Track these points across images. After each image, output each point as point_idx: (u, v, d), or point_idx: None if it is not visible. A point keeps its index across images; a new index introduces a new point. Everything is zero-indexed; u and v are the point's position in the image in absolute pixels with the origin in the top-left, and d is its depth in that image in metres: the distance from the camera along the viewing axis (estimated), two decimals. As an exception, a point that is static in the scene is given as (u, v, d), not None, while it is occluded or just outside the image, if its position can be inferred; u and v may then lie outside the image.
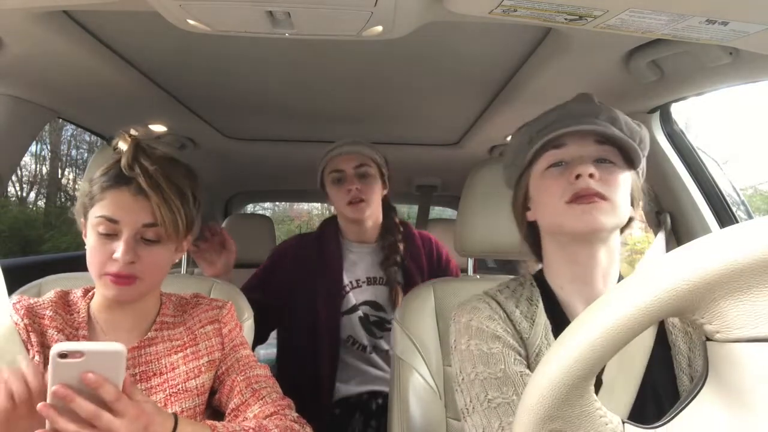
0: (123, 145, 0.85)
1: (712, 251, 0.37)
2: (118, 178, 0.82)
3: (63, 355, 0.61)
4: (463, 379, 0.77)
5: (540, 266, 0.90)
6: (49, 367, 0.61)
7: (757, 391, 0.35)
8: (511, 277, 0.92)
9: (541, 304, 0.81)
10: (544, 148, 0.79)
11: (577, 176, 0.74)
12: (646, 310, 0.37)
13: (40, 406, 0.61)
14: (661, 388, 0.74)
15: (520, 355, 0.77)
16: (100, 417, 0.62)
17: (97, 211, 0.82)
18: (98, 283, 0.83)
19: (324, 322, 1.42)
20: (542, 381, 0.40)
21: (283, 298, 1.48)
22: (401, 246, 1.51)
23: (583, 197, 0.74)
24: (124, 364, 0.64)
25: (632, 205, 0.80)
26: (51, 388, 0.61)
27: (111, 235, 0.81)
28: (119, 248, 0.80)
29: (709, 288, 0.36)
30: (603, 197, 0.74)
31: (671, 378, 0.75)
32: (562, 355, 0.39)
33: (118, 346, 0.63)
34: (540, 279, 0.86)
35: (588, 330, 0.38)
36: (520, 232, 0.90)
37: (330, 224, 1.56)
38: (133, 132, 0.87)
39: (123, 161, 0.82)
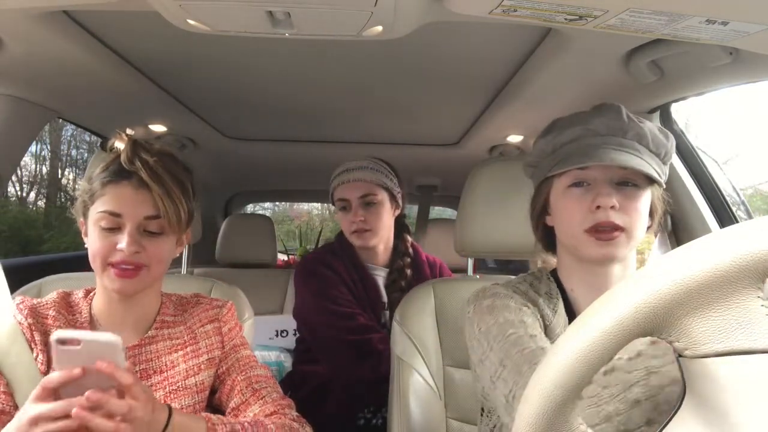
0: (120, 144, 0.86)
1: (667, 272, 0.38)
2: (118, 173, 0.83)
3: (62, 342, 0.63)
4: (491, 347, 0.74)
5: (541, 263, 0.90)
6: (53, 353, 0.64)
7: (731, 404, 0.36)
8: (523, 274, 0.92)
9: (561, 299, 0.82)
10: (566, 165, 0.78)
11: (598, 206, 0.74)
12: (613, 336, 0.38)
13: (75, 411, 0.62)
14: None
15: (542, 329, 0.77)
16: (121, 404, 0.63)
17: (98, 207, 0.83)
18: (102, 277, 0.84)
19: None
20: (526, 408, 0.42)
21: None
22: (409, 272, 1.48)
23: (602, 231, 0.75)
24: (122, 355, 0.65)
25: (651, 215, 0.80)
26: (58, 373, 0.63)
27: (114, 229, 0.82)
28: (123, 240, 0.81)
29: (670, 308, 0.37)
30: (621, 229, 0.74)
31: None
32: (544, 381, 0.40)
33: (112, 336, 0.65)
34: (555, 276, 0.87)
35: (563, 356, 0.40)
36: (534, 233, 0.90)
37: (345, 243, 1.49)
38: (129, 131, 0.87)
39: (123, 156, 0.83)
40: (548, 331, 0.78)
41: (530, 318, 0.76)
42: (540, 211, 0.86)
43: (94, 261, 0.83)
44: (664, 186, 0.80)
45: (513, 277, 0.93)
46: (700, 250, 0.37)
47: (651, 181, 0.77)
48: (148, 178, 0.82)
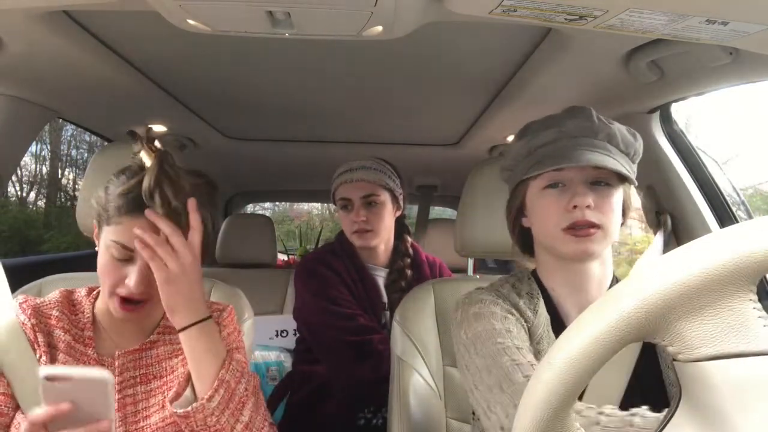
0: (146, 158, 0.83)
1: (660, 276, 0.38)
2: (136, 204, 0.79)
3: (51, 378, 0.62)
4: (477, 353, 0.76)
5: (533, 265, 0.91)
6: (40, 389, 0.63)
7: (726, 407, 0.36)
8: (505, 276, 0.94)
9: (541, 299, 0.84)
10: (542, 167, 0.80)
11: (575, 206, 0.77)
12: (605, 341, 0.38)
13: None
14: (647, 381, 0.76)
15: (527, 333, 0.80)
16: None
17: (111, 235, 0.80)
18: (108, 301, 0.83)
19: None
20: (524, 415, 0.42)
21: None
22: (409, 272, 1.49)
23: (578, 229, 0.77)
24: (112, 390, 0.65)
25: (624, 213, 0.83)
26: (46, 409, 0.63)
27: (124, 260, 0.81)
28: (132, 274, 0.79)
29: (663, 312, 0.37)
30: (597, 226, 0.77)
31: (657, 372, 0.77)
32: (540, 388, 0.41)
33: (102, 373, 0.64)
34: (536, 276, 0.89)
35: (559, 362, 0.40)
36: (511, 234, 0.93)
37: (346, 243, 1.49)
38: (158, 144, 0.84)
39: (144, 185, 0.79)
40: (531, 332, 0.80)
41: (515, 327, 0.78)
42: (516, 213, 0.89)
43: (101, 283, 0.83)
44: (636, 184, 0.82)
45: (499, 276, 0.94)
46: (694, 255, 0.38)
47: (622, 179, 0.80)
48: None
